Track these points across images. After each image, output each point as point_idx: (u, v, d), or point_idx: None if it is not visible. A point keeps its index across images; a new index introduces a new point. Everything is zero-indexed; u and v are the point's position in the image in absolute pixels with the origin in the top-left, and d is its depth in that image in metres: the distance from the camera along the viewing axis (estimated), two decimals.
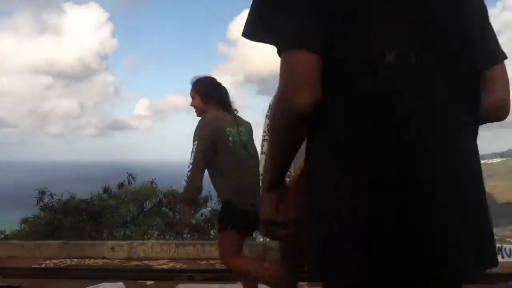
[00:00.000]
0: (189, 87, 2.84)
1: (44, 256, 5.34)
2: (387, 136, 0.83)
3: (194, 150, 2.54)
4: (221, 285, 4.02)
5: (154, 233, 7.97)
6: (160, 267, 4.93)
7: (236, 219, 2.58)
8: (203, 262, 5.14)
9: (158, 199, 8.36)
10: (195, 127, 2.64)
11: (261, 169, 2.24)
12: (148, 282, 4.27)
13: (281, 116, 0.87)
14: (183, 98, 3.89)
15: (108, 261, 5.20)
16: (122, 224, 7.99)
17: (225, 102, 2.77)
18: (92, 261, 5.16)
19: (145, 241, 5.88)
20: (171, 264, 5.00)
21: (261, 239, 5.44)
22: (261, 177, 2.23)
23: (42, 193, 8.26)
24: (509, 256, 4.91)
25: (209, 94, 2.77)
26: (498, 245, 5.07)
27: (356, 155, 0.85)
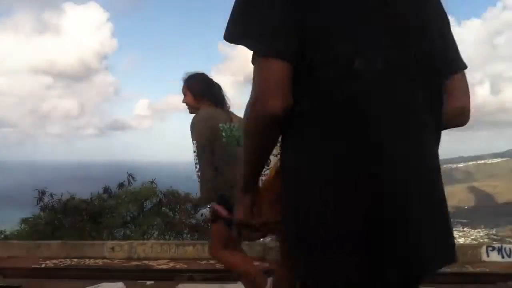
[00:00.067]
0: None
1: (44, 256, 5.34)
2: (356, 139, 0.87)
3: (195, 149, 2.53)
4: (221, 285, 4.02)
5: (154, 233, 7.98)
6: (160, 267, 4.93)
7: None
8: (203, 262, 5.14)
9: (158, 199, 8.37)
10: (190, 124, 2.63)
11: None
12: (148, 282, 4.27)
13: (254, 120, 0.91)
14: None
15: (108, 261, 5.20)
16: (122, 224, 7.99)
17: (217, 98, 2.75)
18: (92, 261, 5.17)
19: (145, 241, 5.89)
20: (171, 264, 5.00)
21: (261, 239, 5.44)
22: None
23: (42, 193, 8.26)
24: (509, 256, 4.91)
25: (201, 91, 2.75)
26: (498, 245, 5.07)
27: (325, 158, 0.88)
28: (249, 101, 0.92)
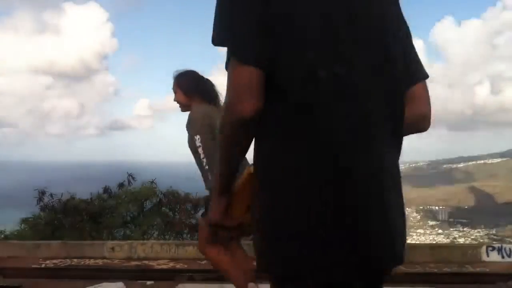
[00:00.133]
0: None
1: (44, 256, 5.34)
2: (316, 145, 0.93)
3: (200, 143, 2.51)
4: (221, 285, 4.01)
5: (154, 233, 7.98)
6: (160, 267, 4.93)
7: None
8: (203, 262, 5.13)
9: (158, 199, 8.37)
10: (188, 121, 2.61)
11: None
12: (148, 282, 4.27)
13: (228, 123, 0.96)
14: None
15: (108, 261, 5.20)
16: (122, 224, 7.99)
17: (209, 95, 2.72)
18: (92, 261, 5.17)
19: (145, 241, 5.89)
20: (171, 264, 5.00)
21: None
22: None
23: (42, 193, 8.26)
24: (509, 256, 4.91)
25: (191, 88, 2.72)
26: (498, 245, 5.07)
27: (290, 161, 0.94)
28: (223, 106, 0.98)
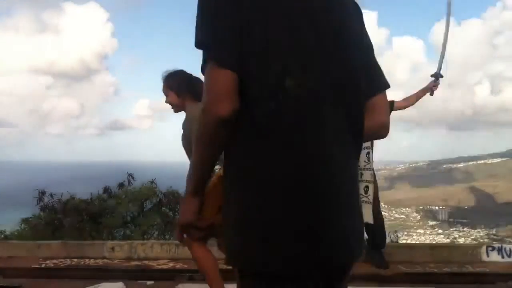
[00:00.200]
0: None
1: (44, 256, 5.33)
2: (290, 156, 0.99)
3: None
4: None
5: (154, 233, 7.97)
6: (160, 267, 4.93)
7: None
8: None
9: (158, 199, 8.36)
10: (187, 120, 2.59)
11: None
12: (148, 282, 4.27)
13: (207, 123, 1.02)
14: None
15: (108, 261, 5.20)
16: (122, 224, 7.99)
17: (201, 93, 2.72)
18: (92, 261, 5.16)
19: (145, 241, 5.88)
20: (171, 264, 5.00)
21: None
22: None
23: (42, 193, 8.26)
24: (509, 256, 4.91)
25: (183, 88, 2.70)
26: (498, 245, 5.06)
27: (260, 165, 1.00)
28: (201, 109, 1.04)
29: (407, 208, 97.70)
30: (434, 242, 48.60)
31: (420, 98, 4.46)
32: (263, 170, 1.00)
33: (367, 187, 2.49)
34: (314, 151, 1.01)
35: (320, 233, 1.00)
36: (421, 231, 76.73)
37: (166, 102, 2.76)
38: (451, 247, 5.67)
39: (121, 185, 8.70)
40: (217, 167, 1.18)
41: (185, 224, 1.14)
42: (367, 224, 2.60)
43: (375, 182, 3.83)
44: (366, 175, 2.47)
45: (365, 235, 4.64)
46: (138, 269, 4.83)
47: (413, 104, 4.51)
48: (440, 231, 76.13)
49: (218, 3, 1.03)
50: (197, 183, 1.11)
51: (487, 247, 5.02)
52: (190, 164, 1.14)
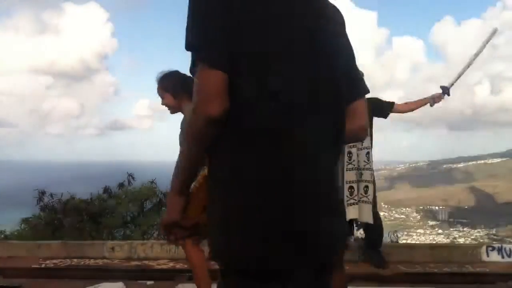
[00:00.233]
0: None
1: (44, 256, 5.33)
2: (271, 152, 1.03)
3: None
4: None
5: (154, 233, 7.97)
6: (160, 267, 4.92)
7: None
8: None
9: (158, 199, 8.36)
10: (184, 123, 2.59)
11: None
12: (148, 282, 4.27)
13: (198, 122, 1.03)
14: None
15: (108, 261, 5.20)
16: (122, 224, 7.99)
17: None
18: (92, 261, 5.16)
19: (145, 241, 5.88)
20: (171, 264, 4.99)
21: None
22: None
23: (42, 193, 8.25)
24: (509, 256, 4.91)
25: (179, 89, 2.68)
26: (498, 245, 5.06)
27: (245, 166, 1.03)
28: (191, 108, 1.06)
29: (407, 208, 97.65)
30: (434, 242, 48.59)
31: (421, 106, 4.45)
32: (247, 170, 1.03)
33: (367, 187, 2.49)
34: (298, 154, 1.04)
35: (304, 232, 1.04)
36: (421, 231, 76.69)
37: (163, 104, 2.74)
38: (451, 247, 5.67)
39: (121, 185, 8.70)
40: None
41: (170, 223, 1.16)
42: (367, 224, 2.60)
43: (373, 182, 3.84)
44: (366, 175, 2.47)
45: (363, 235, 4.65)
46: (138, 269, 4.83)
47: (412, 110, 4.51)
48: (440, 231, 76.09)
49: (208, 5, 1.05)
50: (184, 182, 1.13)
51: (487, 247, 5.01)
52: (177, 163, 1.16)
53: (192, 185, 1.17)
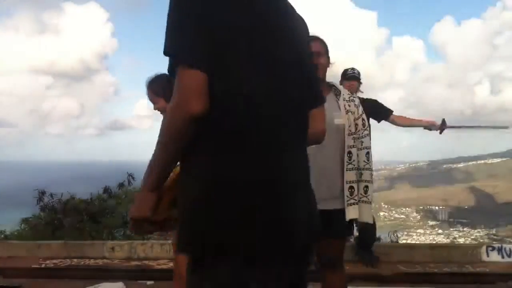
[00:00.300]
0: None
1: (44, 256, 5.34)
2: (249, 150, 1.08)
3: None
4: None
5: (154, 233, 7.97)
6: (160, 267, 4.93)
7: None
8: None
9: None
10: None
11: None
12: (148, 282, 4.28)
13: (178, 120, 1.06)
14: None
15: (108, 261, 5.20)
16: (122, 224, 7.99)
17: None
18: (92, 261, 5.16)
19: (145, 241, 5.88)
20: (171, 264, 4.99)
21: None
22: None
23: (42, 193, 8.26)
24: (509, 256, 4.91)
25: (169, 91, 2.65)
26: (498, 245, 5.07)
27: (216, 161, 1.08)
28: (169, 107, 1.09)
29: (407, 208, 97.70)
30: (434, 242, 48.60)
31: (417, 126, 4.43)
32: (222, 166, 1.07)
33: (366, 187, 2.48)
34: (268, 152, 1.10)
35: (284, 219, 1.10)
36: (421, 231, 76.75)
37: (155, 109, 2.68)
38: (451, 247, 5.67)
39: (121, 185, 8.71)
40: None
41: (140, 219, 1.17)
42: (367, 224, 2.60)
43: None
44: (366, 175, 2.47)
45: (356, 235, 4.65)
46: (138, 269, 4.84)
47: (407, 126, 4.50)
48: (440, 231, 76.14)
49: (183, 12, 1.09)
50: (158, 180, 1.15)
51: (487, 247, 5.02)
52: (151, 161, 1.15)
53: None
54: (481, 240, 52.48)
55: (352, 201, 2.40)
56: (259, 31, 1.13)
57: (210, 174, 1.07)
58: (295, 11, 1.32)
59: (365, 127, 2.51)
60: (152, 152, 1.14)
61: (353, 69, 4.38)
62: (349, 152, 2.41)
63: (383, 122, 4.58)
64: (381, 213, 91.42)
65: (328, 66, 2.50)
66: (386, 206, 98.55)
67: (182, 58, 1.07)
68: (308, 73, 1.32)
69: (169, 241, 5.32)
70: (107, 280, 4.28)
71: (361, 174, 2.46)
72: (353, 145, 2.43)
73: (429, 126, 4.33)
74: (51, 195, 8.27)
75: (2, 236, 7.97)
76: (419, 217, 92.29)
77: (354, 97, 2.57)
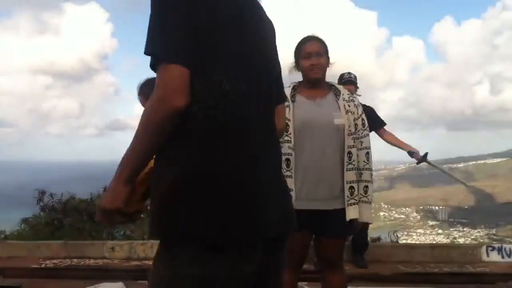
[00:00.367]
0: None
1: (44, 256, 5.34)
2: (226, 145, 1.12)
3: None
4: None
5: None
6: None
7: None
8: None
9: None
10: None
11: None
12: None
13: (161, 114, 1.08)
14: None
15: (108, 261, 5.20)
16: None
17: None
18: (92, 261, 5.17)
19: (145, 241, 5.87)
20: None
21: None
22: None
23: (42, 193, 8.25)
24: (509, 256, 4.91)
25: None
26: (498, 245, 5.07)
27: (203, 155, 1.11)
28: (151, 101, 1.09)
29: (407, 208, 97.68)
30: (434, 242, 48.61)
31: (400, 147, 4.44)
32: (194, 158, 1.10)
33: (366, 187, 2.48)
34: (245, 146, 1.14)
35: (260, 206, 1.14)
36: (421, 231, 76.73)
37: None
38: (451, 247, 5.67)
39: None
40: None
41: (112, 210, 1.18)
42: (367, 224, 2.60)
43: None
44: (366, 175, 2.47)
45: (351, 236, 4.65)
46: (138, 269, 4.83)
47: (391, 145, 4.52)
48: (440, 231, 76.12)
49: (168, 7, 1.11)
50: (133, 172, 1.16)
51: (487, 247, 5.02)
52: (127, 153, 1.15)
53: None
54: (481, 240, 52.49)
55: (352, 201, 2.40)
56: (237, 29, 1.17)
57: (186, 167, 1.10)
58: (263, 10, 1.37)
59: (365, 127, 2.51)
60: (129, 144, 1.15)
61: (349, 73, 4.38)
62: (349, 152, 2.41)
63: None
64: (381, 213, 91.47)
65: (328, 66, 2.50)
66: (386, 206, 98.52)
67: (165, 53, 1.09)
68: (277, 70, 1.39)
69: None
70: (107, 280, 4.28)
71: (361, 174, 2.45)
72: (353, 145, 2.43)
73: (411, 153, 4.36)
74: (51, 195, 8.26)
75: (2, 236, 7.96)
76: (419, 217, 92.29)
77: (353, 97, 2.57)
